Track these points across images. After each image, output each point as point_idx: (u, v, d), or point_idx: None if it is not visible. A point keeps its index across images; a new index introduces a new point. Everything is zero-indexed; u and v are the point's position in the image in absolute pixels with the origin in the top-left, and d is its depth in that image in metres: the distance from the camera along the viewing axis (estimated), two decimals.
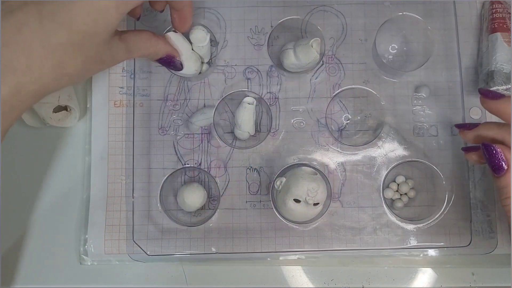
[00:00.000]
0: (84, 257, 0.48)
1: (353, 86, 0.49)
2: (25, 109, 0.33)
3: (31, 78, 0.31)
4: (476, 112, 0.49)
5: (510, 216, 0.37)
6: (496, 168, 0.37)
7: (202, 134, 0.49)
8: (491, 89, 0.47)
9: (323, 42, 0.47)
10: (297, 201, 0.43)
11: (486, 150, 0.38)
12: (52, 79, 0.32)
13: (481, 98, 0.40)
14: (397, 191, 0.49)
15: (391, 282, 0.48)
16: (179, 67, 0.44)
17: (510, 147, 0.38)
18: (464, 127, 0.42)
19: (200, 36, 0.45)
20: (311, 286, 0.48)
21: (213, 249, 0.47)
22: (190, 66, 0.46)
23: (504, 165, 0.37)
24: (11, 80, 0.30)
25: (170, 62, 0.43)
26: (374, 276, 0.48)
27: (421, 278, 0.48)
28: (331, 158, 0.49)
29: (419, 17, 0.48)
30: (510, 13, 0.49)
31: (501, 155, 0.37)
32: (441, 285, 0.48)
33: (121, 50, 0.36)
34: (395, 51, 0.50)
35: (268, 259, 0.48)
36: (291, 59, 0.47)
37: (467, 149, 0.43)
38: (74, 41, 0.31)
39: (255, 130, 0.49)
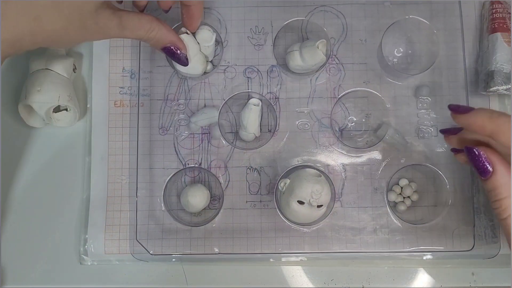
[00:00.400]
0: (84, 257, 0.48)
1: (358, 88, 0.49)
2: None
3: (6, 26, 0.31)
4: None
5: (500, 219, 0.37)
6: (482, 171, 0.37)
7: (202, 134, 0.49)
8: (491, 89, 0.47)
9: (329, 43, 0.47)
10: (301, 202, 0.43)
11: (469, 154, 0.37)
12: (28, 32, 0.32)
13: (452, 114, 0.39)
14: (400, 194, 0.49)
15: (391, 282, 0.48)
16: (184, 61, 0.42)
17: (494, 150, 0.37)
18: (449, 132, 0.42)
19: (206, 36, 0.45)
20: (311, 286, 0.48)
21: (216, 250, 0.47)
22: (197, 67, 0.46)
23: (489, 167, 0.36)
24: None
25: (175, 54, 0.41)
26: (374, 276, 0.48)
27: (421, 278, 0.48)
28: (333, 158, 0.49)
29: (425, 20, 0.47)
30: (510, 13, 0.49)
31: (485, 157, 0.36)
32: (441, 285, 0.48)
33: (111, 23, 0.36)
34: (400, 54, 0.50)
35: (271, 259, 0.48)
36: (297, 60, 0.47)
37: (456, 150, 0.43)
38: None
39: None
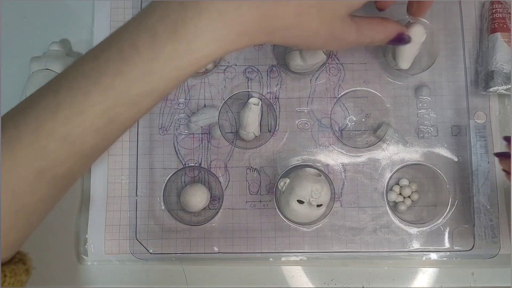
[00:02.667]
0: (84, 257, 0.48)
1: (358, 88, 0.49)
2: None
3: (267, 15, 0.29)
4: (480, 116, 0.49)
5: None
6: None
7: (202, 134, 0.49)
8: (491, 89, 0.47)
9: None
10: (300, 202, 0.43)
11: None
12: (287, 25, 0.31)
13: (506, 145, 0.40)
14: (400, 194, 0.49)
15: (391, 282, 0.48)
16: (408, 40, 0.41)
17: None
18: (503, 155, 0.42)
19: (418, 31, 0.43)
20: (311, 286, 0.48)
21: (215, 249, 0.47)
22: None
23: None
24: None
25: (400, 40, 0.41)
26: (374, 276, 0.48)
27: (421, 278, 0.48)
28: (333, 158, 0.49)
29: (425, 20, 0.47)
30: (510, 13, 0.49)
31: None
32: (441, 285, 0.48)
33: (352, 31, 0.35)
34: None
35: (271, 259, 0.48)
36: (297, 60, 0.47)
37: (502, 155, 0.43)
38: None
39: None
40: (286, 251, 0.47)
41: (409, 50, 0.44)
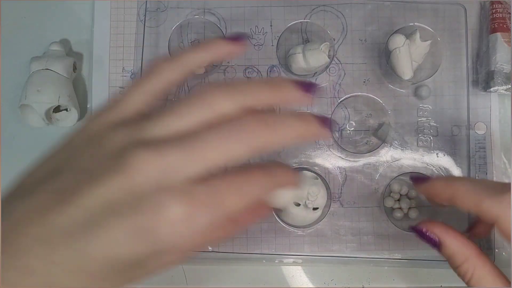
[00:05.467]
0: None
1: (360, 93, 0.48)
2: None
3: None
4: (481, 127, 0.49)
5: (466, 283, 0.36)
6: (432, 245, 0.37)
7: None
8: (491, 89, 0.47)
9: (332, 46, 0.47)
10: (296, 204, 0.43)
11: (416, 232, 0.38)
12: None
13: (413, 184, 0.40)
14: (398, 200, 0.48)
15: (391, 282, 0.48)
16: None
17: (438, 222, 0.36)
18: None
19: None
20: (311, 286, 0.48)
21: (210, 248, 0.47)
22: None
23: (436, 241, 0.37)
24: None
25: None
26: (374, 276, 0.48)
27: (421, 277, 0.48)
28: (333, 158, 0.49)
29: (430, 28, 0.47)
30: (510, 13, 0.49)
31: (429, 233, 0.37)
32: (441, 285, 0.48)
33: None
34: None
35: (263, 261, 0.48)
36: (300, 63, 0.47)
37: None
38: None
39: None
40: (285, 253, 0.47)
41: (404, 61, 0.45)
